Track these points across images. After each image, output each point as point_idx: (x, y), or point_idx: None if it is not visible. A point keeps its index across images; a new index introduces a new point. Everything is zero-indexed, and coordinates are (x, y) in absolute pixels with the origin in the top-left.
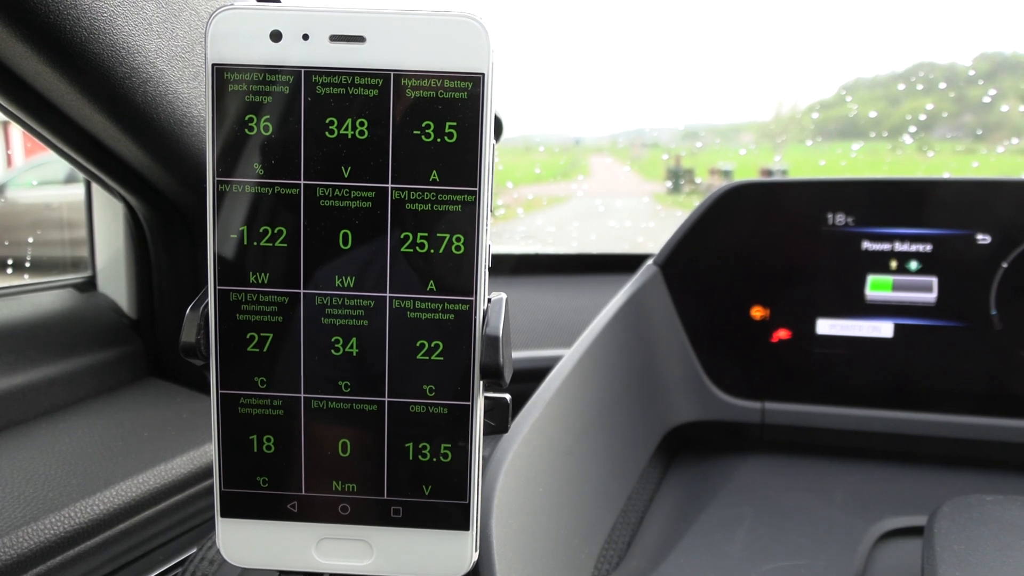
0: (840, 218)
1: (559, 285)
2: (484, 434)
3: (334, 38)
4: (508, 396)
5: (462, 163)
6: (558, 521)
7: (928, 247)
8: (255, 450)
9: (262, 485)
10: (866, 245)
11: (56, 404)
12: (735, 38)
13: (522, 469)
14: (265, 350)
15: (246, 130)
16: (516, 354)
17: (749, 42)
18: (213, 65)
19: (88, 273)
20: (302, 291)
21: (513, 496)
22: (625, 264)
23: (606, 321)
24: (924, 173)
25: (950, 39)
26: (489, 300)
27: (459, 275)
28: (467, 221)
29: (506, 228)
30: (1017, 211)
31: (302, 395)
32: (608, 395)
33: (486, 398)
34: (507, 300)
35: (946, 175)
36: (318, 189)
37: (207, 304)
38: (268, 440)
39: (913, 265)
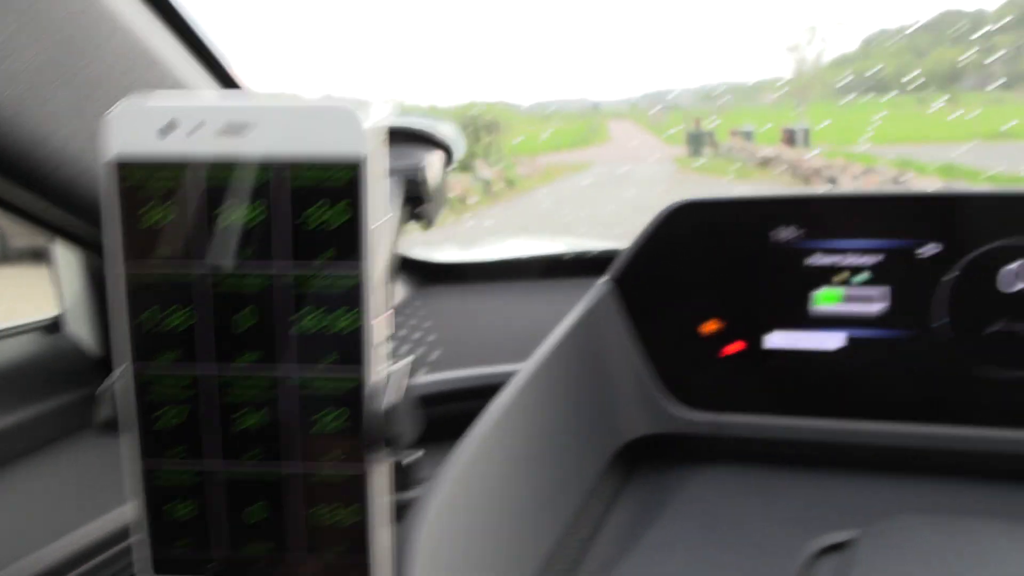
0: (786, 233)
1: (530, 291)
2: (395, 491)
3: (222, 131)
4: (416, 453)
5: (347, 244)
6: (495, 549)
7: (876, 259)
8: (173, 516)
9: (181, 548)
10: (814, 259)
11: (18, 451)
12: None
13: (455, 505)
14: (178, 424)
15: (144, 220)
16: (475, 371)
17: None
18: (109, 159)
19: (55, 314)
20: (208, 369)
21: (441, 535)
22: (597, 267)
23: (558, 338)
24: (951, 127)
25: None
26: (389, 368)
27: (353, 348)
28: (356, 297)
29: (525, 199)
30: (964, 221)
31: (214, 465)
32: (557, 415)
33: (389, 461)
34: (411, 363)
35: (892, 188)
36: (216, 273)
37: (121, 382)
38: (185, 507)
39: (861, 277)
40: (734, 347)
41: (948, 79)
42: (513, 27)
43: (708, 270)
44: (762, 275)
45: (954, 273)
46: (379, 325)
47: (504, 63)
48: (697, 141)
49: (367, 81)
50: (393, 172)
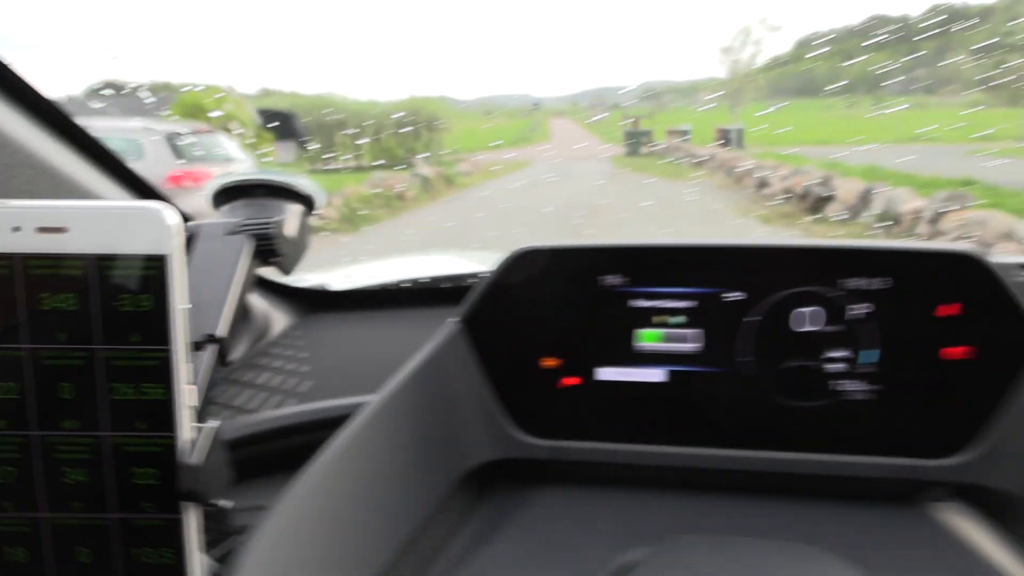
0: (613, 279)
1: (406, 319)
2: (215, 534)
3: (40, 229)
4: (229, 503)
5: (155, 327)
6: (329, 568)
7: (690, 303)
8: (11, 560)
9: None
10: (637, 302)
11: None
12: None
13: (289, 531)
14: (10, 481)
15: None
16: (329, 403)
17: None
18: None
19: None
20: (36, 433)
21: (274, 559)
22: (458, 296)
23: (407, 373)
24: (876, 130)
25: None
26: (199, 430)
27: (163, 415)
28: (164, 372)
29: (466, 195)
30: (762, 271)
31: (44, 516)
32: (401, 444)
33: (200, 509)
34: (219, 427)
35: (703, 240)
36: (41, 351)
37: None
38: (18, 552)
39: (679, 319)
40: (571, 380)
41: (875, 83)
42: (456, 21)
43: (547, 310)
44: (593, 316)
45: (755, 316)
46: (186, 393)
47: (446, 57)
48: (635, 140)
49: (307, 74)
50: (247, 227)
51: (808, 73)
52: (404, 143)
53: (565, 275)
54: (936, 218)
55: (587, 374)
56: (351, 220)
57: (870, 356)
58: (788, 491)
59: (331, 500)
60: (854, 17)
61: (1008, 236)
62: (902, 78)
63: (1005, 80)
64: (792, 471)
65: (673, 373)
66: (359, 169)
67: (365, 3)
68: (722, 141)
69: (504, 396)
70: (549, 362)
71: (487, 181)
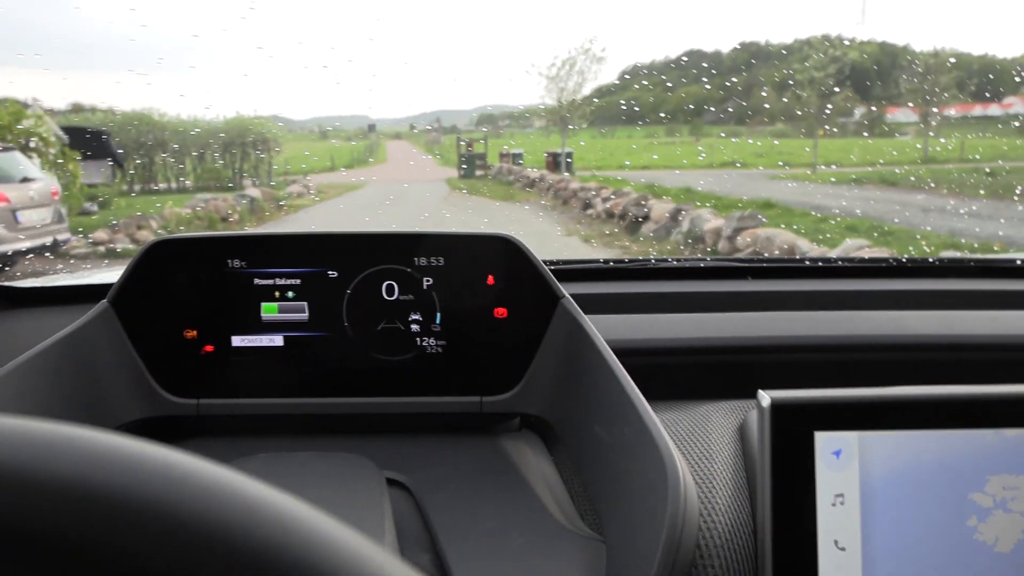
0: (238, 262)
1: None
2: None
3: None
4: None
5: None
6: None
7: (299, 281)
8: None
9: None
10: (258, 281)
11: None
12: (523, 21)
13: None
14: None
15: None
16: None
17: (538, 26)
18: None
19: None
20: None
21: None
22: None
23: (45, 344)
24: (693, 156)
25: (713, 26)
26: None
27: None
28: None
29: (295, 218)
30: (355, 253)
31: None
32: (38, 404)
33: None
34: None
35: (311, 230)
36: None
37: None
38: None
39: (290, 294)
40: (209, 347)
41: (692, 113)
42: (287, 36)
43: (186, 290)
44: (225, 293)
45: (350, 290)
46: None
47: (277, 75)
48: (469, 163)
49: (123, 89)
50: None
51: (632, 102)
52: (231, 164)
53: (197, 260)
54: (733, 235)
55: (223, 342)
56: None
57: (439, 318)
58: (385, 430)
59: None
60: (672, 50)
61: (791, 250)
62: (715, 109)
63: (801, 112)
64: (387, 412)
65: (288, 338)
66: (181, 191)
67: (188, 14)
68: (551, 164)
69: (152, 364)
70: (190, 333)
71: (319, 204)
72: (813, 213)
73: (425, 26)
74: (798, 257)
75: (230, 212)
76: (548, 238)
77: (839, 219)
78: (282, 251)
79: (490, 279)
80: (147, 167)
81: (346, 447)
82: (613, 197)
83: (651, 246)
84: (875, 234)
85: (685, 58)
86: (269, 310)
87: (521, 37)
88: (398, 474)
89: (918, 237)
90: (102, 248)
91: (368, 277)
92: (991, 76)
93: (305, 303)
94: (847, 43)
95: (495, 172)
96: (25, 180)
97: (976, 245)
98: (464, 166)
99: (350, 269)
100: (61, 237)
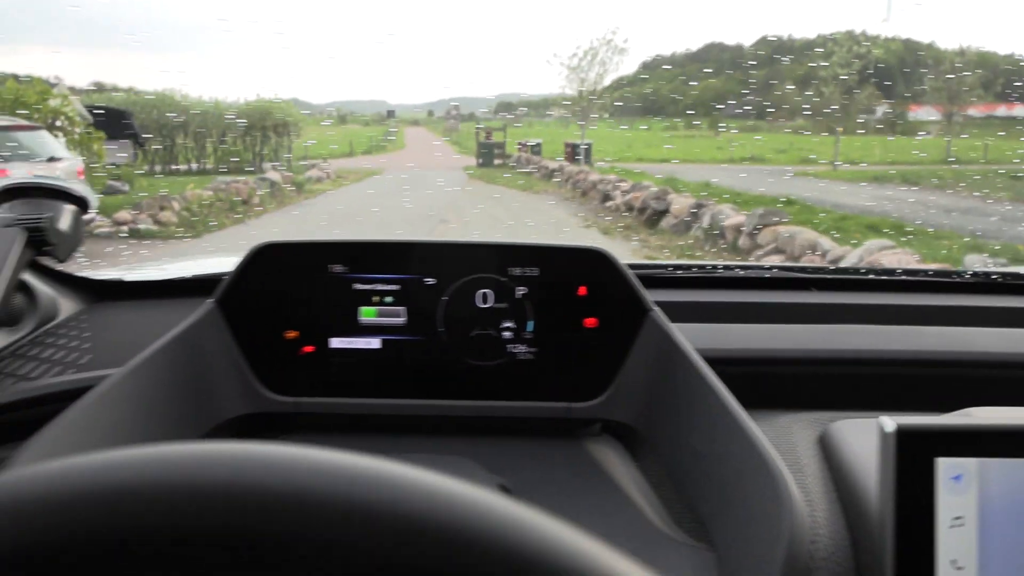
0: (339, 267)
1: (186, 307)
2: None
3: None
4: None
5: None
6: None
7: (397, 287)
8: None
9: None
10: (357, 286)
11: None
12: (544, 10)
13: None
14: None
15: None
16: (95, 372)
17: (558, 16)
18: None
19: None
20: None
21: None
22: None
23: (159, 344)
24: (713, 150)
25: (736, 20)
26: None
27: None
28: None
29: (315, 202)
30: (450, 262)
31: None
32: (154, 401)
33: None
34: None
35: (410, 238)
36: None
37: None
38: None
39: (388, 299)
40: (308, 348)
41: (712, 107)
42: (309, 20)
43: (288, 292)
44: (325, 296)
45: (446, 297)
46: None
47: (298, 58)
48: (488, 151)
49: (146, 69)
50: (21, 220)
51: (652, 94)
52: (251, 146)
53: (301, 264)
54: (753, 232)
55: (322, 343)
56: (192, 225)
57: (531, 326)
58: (476, 432)
59: (87, 443)
60: (694, 43)
61: (812, 247)
62: (735, 103)
63: (823, 109)
64: (479, 415)
65: (386, 341)
66: (202, 172)
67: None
68: (570, 155)
69: (254, 362)
70: (291, 334)
71: (338, 189)
72: (835, 210)
73: (447, 13)
74: (859, 268)
75: (250, 195)
76: (566, 227)
77: (859, 217)
78: (382, 258)
79: (582, 290)
80: (168, 148)
81: (437, 448)
82: (632, 190)
83: (670, 240)
84: (900, 237)
85: (706, 50)
86: (368, 314)
87: (541, 26)
88: (500, 478)
89: (943, 239)
90: (125, 228)
91: (464, 285)
92: (1019, 77)
93: (402, 308)
94: (872, 40)
95: (514, 161)
96: (52, 159)
97: (997, 247)
98: (482, 154)
99: (447, 277)
100: (86, 217)
